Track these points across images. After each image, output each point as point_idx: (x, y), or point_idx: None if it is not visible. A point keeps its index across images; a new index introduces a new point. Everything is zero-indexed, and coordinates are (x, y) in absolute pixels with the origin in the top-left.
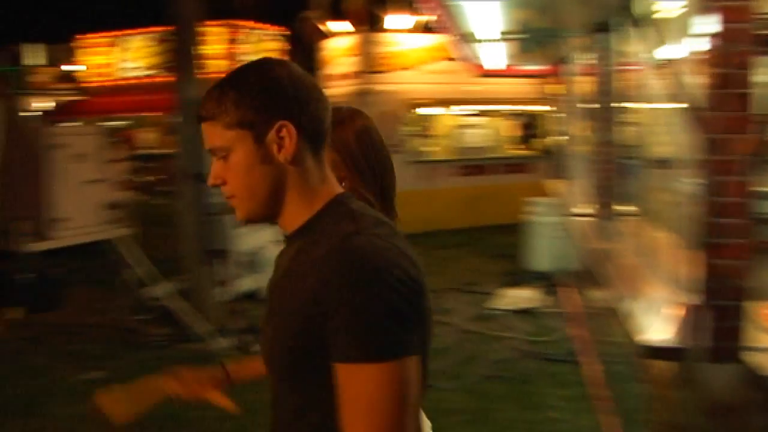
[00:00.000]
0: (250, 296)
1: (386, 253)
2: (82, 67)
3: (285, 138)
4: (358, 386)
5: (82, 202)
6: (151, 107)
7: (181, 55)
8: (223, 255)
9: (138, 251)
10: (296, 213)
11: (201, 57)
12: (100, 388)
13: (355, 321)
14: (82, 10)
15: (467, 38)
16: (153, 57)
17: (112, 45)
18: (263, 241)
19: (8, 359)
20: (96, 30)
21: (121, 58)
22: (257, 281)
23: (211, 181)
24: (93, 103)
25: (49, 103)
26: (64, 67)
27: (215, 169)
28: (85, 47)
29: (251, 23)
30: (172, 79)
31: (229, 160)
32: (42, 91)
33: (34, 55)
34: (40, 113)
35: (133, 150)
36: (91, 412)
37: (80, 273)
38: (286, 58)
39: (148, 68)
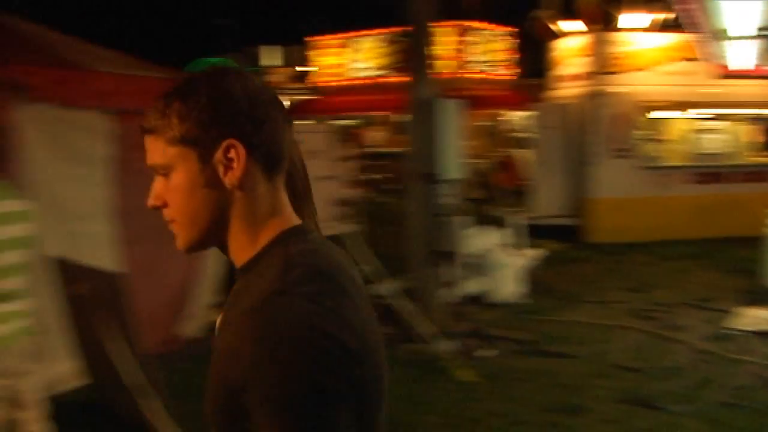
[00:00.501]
0: (476, 299)
1: (311, 319)
2: (315, 68)
3: (233, 159)
4: None
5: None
6: (379, 107)
7: (414, 55)
8: (450, 256)
9: (365, 248)
10: (242, 246)
11: (432, 57)
12: None
13: (270, 399)
14: (316, 12)
15: (718, 36)
16: (382, 58)
17: (343, 46)
18: (491, 244)
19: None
20: (329, 32)
21: (352, 58)
22: (483, 284)
23: (150, 201)
24: (325, 102)
25: (285, 102)
26: (298, 68)
27: (156, 188)
28: (318, 48)
29: (480, 23)
30: (402, 79)
31: (170, 179)
32: (279, 90)
33: (270, 57)
34: None
35: (362, 148)
36: None
37: None
38: (514, 58)
39: (378, 68)
